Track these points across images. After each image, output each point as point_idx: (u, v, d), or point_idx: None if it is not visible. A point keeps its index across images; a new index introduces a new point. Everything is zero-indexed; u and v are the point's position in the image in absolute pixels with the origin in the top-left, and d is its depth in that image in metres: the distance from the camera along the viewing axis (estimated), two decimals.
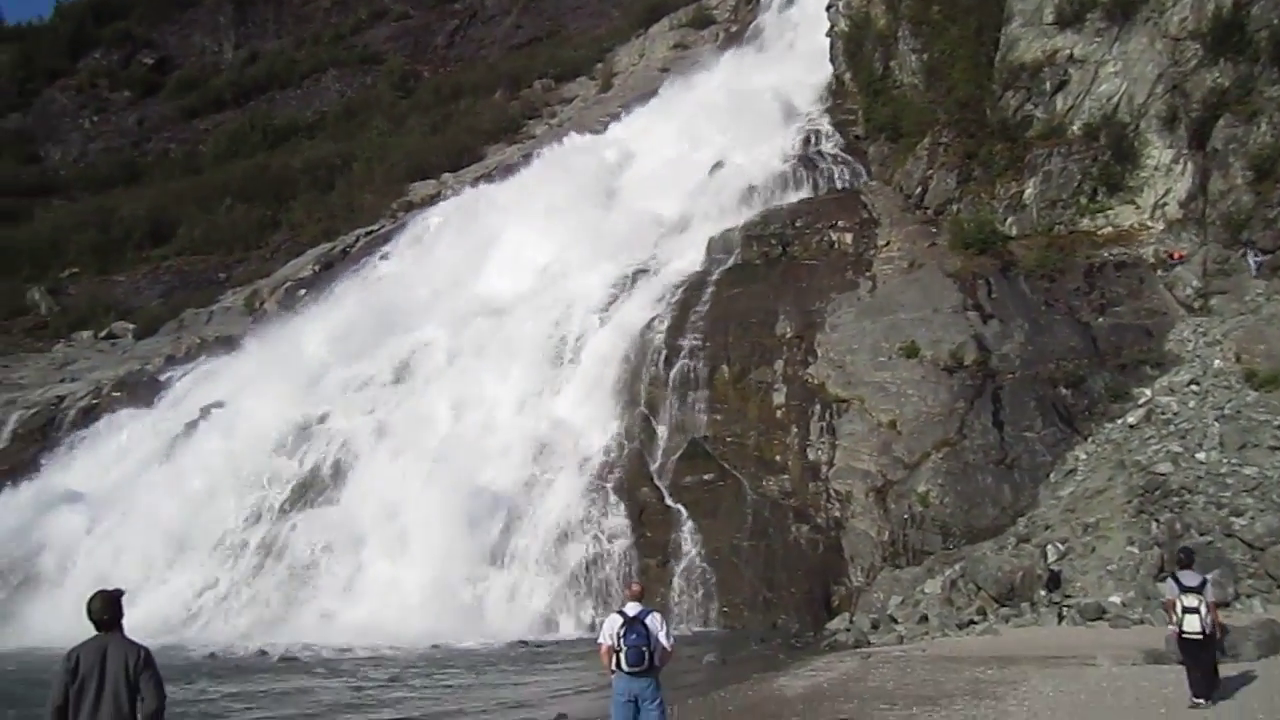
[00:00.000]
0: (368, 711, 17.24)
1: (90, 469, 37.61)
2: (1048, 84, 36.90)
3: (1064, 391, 30.68)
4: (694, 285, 37.48)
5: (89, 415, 41.63)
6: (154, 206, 65.78)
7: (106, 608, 7.47)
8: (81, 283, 60.98)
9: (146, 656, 7.40)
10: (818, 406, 31.72)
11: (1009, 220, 35.93)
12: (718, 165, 46.75)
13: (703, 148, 48.73)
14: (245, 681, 20.92)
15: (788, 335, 33.88)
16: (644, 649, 10.24)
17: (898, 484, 29.15)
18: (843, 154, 45.43)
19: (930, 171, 38.81)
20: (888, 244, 37.45)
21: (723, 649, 23.21)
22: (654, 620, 10.50)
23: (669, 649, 10.67)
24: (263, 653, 25.05)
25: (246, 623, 29.36)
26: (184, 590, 30.77)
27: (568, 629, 27.83)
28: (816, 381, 32.39)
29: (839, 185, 43.20)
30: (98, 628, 7.45)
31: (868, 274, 36.17)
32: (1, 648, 26.97)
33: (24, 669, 22.62)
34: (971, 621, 23.39)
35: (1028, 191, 35.99)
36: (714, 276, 37.77)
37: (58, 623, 26.56)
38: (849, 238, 38.06)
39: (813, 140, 47.08)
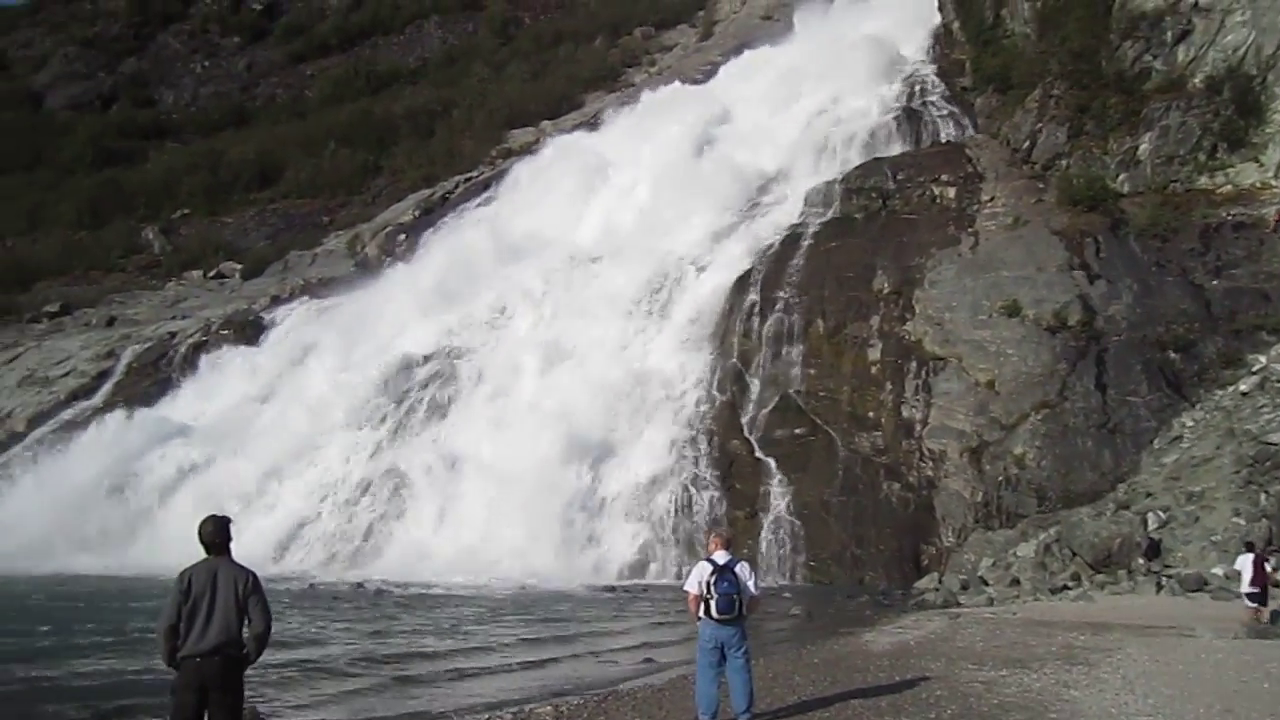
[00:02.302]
0: (459, 646, 17.66)
1: (198, 403, 38.98)
2: (1169, 34, 35.38)
3: (1173, 356, 29.70)
4: (791, 238, 37.12)
5: (198, 351, 43.08)
6: (261, 150, 67.44)
7: (218, 531, 7.68)
8: (192, 223, 62.93)
9: (255, 581, 7.61)
10: (914, 364, 31.28)
11: (1121, 177, 34.68)
12: (818, 115, 45.98)
13: (804, 97, 47.99)
14: (342, 612, 21.60)
15: (885, 291, 33.36)
16: (734, 597, 10.24)
17: (993, 445, 28.65)
18: (948, 105, 44.36)
19: (1039, 125, 37.59)
20: (992, 199, 36.51)
21: (809, 603, 23.20)
22: (743, 569, 10.49)
23: (757, 597, 10.70)
24: (359, 585, 25.82)
25: (344, 555, 30.35)
26: (285, 522, 31.86)
27: (655, 575, 28.14)
28: (913, 338, 31.91)
29: (943, 138, 42.31)
30: (208, 550, 7.66)
31: (970, 230, 35.35)
32: (108, 571, 28.20)
33: (128, 594, 23.62)
34: (1065, 587, 22.96)
35: (1142, 147, 34.66)
36: (811, 229, 37.33)
37: (162, 550, 27.77)
38: (951, 192, 37.24)
39: (917, 91, 46.03)
